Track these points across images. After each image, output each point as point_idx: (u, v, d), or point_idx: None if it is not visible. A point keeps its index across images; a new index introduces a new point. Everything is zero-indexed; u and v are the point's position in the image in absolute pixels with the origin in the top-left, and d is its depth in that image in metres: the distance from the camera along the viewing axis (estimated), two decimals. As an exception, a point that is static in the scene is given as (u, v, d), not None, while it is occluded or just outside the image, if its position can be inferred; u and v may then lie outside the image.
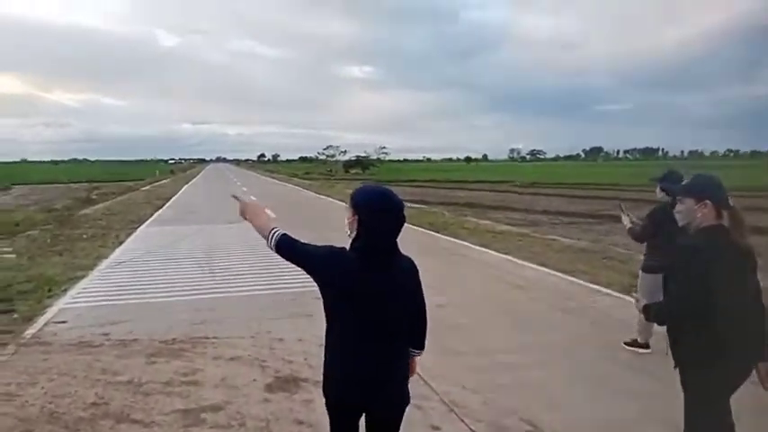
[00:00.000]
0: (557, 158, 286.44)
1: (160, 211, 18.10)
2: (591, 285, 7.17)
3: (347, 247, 2.07)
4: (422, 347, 2.33)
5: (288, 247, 2.11)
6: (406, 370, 2.20)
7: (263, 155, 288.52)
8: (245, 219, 2.26)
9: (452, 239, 11.43)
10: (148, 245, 10.67)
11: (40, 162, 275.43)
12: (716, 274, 2.35)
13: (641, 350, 4.79)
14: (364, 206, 1.99)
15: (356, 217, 1.99)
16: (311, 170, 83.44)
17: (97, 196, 30.60)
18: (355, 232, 2.01)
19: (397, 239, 2.03)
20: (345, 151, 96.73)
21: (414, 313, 2.20)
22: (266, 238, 2.15)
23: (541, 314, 5.97)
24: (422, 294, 2.23)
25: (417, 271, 2.17)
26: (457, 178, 56.51)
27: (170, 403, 3.78)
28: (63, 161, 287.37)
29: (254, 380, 4.19)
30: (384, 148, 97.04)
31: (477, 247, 10.32)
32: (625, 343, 4.90)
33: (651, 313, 2.59)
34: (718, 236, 2.46)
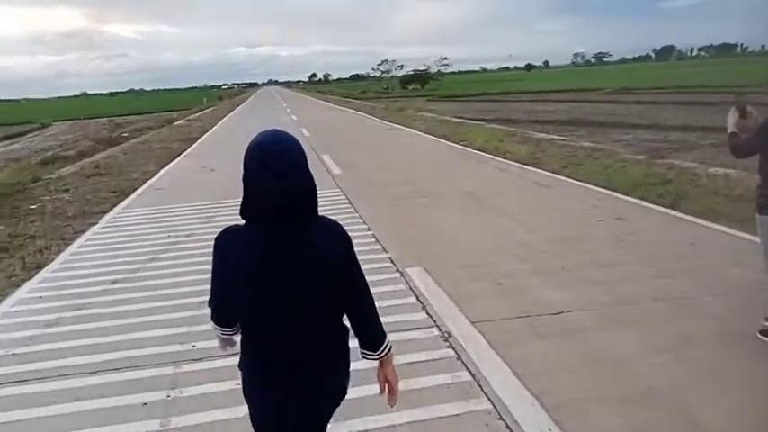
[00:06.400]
0: (624, 60, 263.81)
1: (170, 165, 12.67)
2: None
3: None
4: (374, 348, 1.64)
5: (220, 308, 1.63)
6: (339, 376, 1.63)
7: (314, 75, 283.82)
8: None
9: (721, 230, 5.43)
10: (80, 279, 5.26)
11: (99, 95, 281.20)
12: None
13: None
14: (245, 158, 1.45)
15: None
16: (365, 89, 75.92)
17: (128, 133, 26.31)
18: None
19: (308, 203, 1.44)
20: (402, 66, 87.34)
21: (348, 299, 1.59)
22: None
23: None
24: (357, 274, 1.58)
25: (347, 241, 1.55)
26: (535, 88, 48.89)
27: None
28: (120, 92, 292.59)
29: None
30: (446, 59, 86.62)
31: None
32: (761, 332, 3.31)
33: None
34: None
